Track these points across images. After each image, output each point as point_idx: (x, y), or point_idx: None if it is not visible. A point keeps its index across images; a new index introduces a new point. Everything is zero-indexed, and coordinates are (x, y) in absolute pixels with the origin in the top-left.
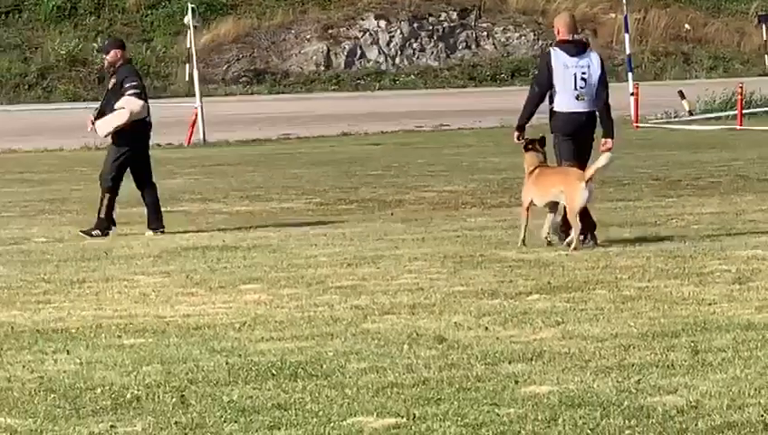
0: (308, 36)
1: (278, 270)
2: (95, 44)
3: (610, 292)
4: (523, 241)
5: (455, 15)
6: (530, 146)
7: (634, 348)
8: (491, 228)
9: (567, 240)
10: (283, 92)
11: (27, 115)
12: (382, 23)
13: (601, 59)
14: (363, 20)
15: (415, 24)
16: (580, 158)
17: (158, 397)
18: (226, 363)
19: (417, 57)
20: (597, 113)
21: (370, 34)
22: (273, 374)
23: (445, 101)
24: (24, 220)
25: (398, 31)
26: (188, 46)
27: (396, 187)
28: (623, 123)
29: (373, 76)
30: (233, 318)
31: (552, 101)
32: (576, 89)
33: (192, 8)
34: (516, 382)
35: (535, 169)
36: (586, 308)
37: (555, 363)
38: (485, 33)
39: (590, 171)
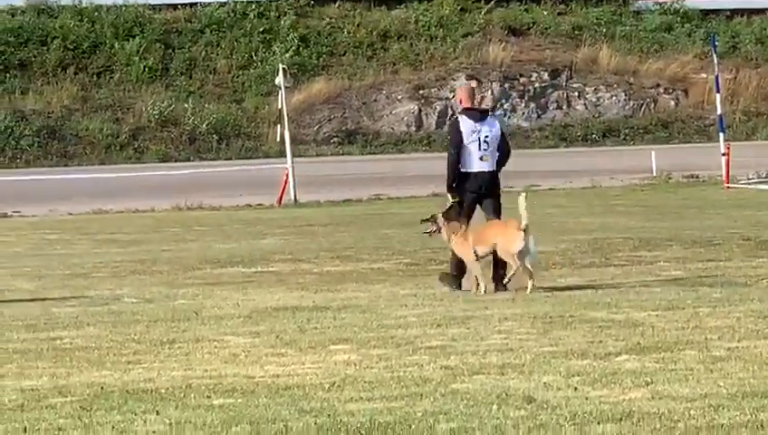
0: (399, 97)
1: (368, 330)
2: (185, 105)
3: (700, 352)
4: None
5: (546, 76)
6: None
7: (723, 408)
8: (581, 289)
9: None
10: (374, 153)
11: (119, 176)
12: (474, 83)
13: (500, 124)
14: (454, 80)
15: (506, 85)
16: (493, 213)
17: None
18: (315, 424)
19: (508, 117)
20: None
21: None
22: None
23: (535, 161)
24: (114, 281)
25: (489, 91)
26: (280, 107)
27: None
28: (714, 184)
29: None
30: (322, 378)
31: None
32: (480, 150)
33: (283, 69)
34: None
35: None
36: (675, 368)
37: (644, 424)
38: (577, 94)
39: (523, 219)
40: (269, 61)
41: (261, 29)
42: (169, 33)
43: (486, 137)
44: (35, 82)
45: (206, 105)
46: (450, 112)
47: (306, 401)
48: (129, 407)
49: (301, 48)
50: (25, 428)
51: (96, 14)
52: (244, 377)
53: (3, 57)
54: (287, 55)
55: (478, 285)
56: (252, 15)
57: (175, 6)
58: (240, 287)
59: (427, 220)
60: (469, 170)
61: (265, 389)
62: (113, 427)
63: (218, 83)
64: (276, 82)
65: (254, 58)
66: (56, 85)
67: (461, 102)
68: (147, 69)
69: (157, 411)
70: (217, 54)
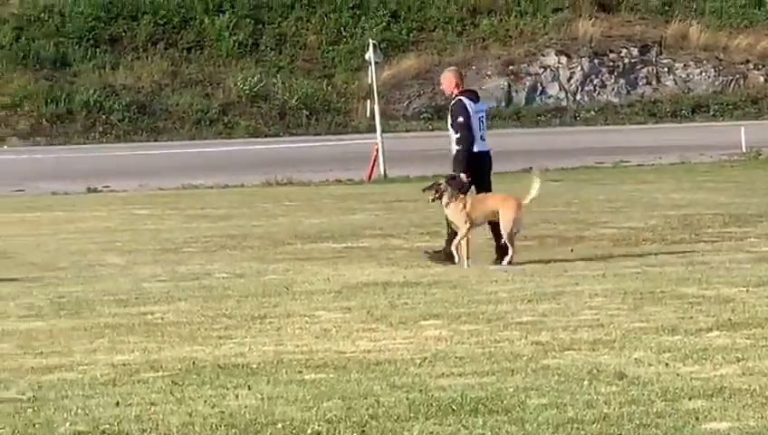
0: (489, 72)
1: (458, 306)
2: (274, 80)
3: None
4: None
5: (635, 52)
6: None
7: None
8: (671, 265)
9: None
10: None
11: (209, 151)
12: (563, 59)
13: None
14: (544, 56)
15: (595, 60)
16: (484, 191)
17: (339, 432)
18: (407, 399)
19: (598, 93)
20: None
21: (551, 71)
22: (454, 410)
23: (625, 137)
24: (205, 256)
25: (579, 67)
26: (370, 82)
27: (576, 223)
28: None
29: (553, 112)
30: (413, 354)
31: (459, 143)
32: (480, 130)
33: (374, 44)
34: (696, 419)
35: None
36: (767, 344)
37: (735, 400)
38: (666, 70)
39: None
40: (359, 36)
41: (351, 4)
42: (259, 8)
43: (482, 117)
44: (126, 58)
45: (296, 80)
46: (540, 88)
47: (398, 377)
48: (220, 382)
49: (391, 23)
50: (117, 402)
51: None
52: (335, 352)
53: (94, 32)
54: (377, 30)
55: (458, 254)
56: None
57: None
58: (330, 262)
59: (430, 188)
60: (473, 150)
61: (357, 364)
62: (205, 401)
63: (308, 59)
64: (366, 57)
65: (344, 33)
66: (146, 60)
67: (456, 87)
68: (237, 44)
69: (248, 386)
70: (307, 30)
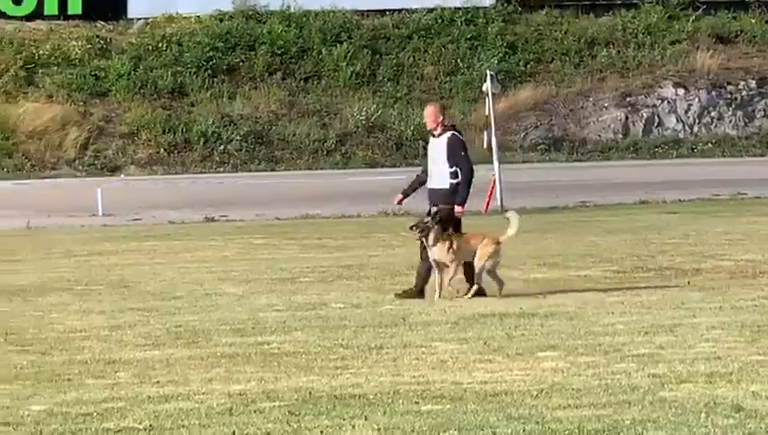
0: (606, 104)
1: (575, 338)
2: (391, 111)
3: None
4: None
5: (753, 84)
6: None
7: None
8: None
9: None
10: (580, 160)
11: (325, 181)
12: (681, 91)
13: None
14: (661, 88)
15: (713, 93)
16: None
17: None
18: (524, 431)
19: (715, 125)
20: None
21: (669, 102)
22: None
23: (743, 169)
24: (321, 286)
25: (696, 99)
26: (487, 113)
27: (693, 255)
28: None
29: (671, 144)
30: (530, 385)
31: (457, 177)
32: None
33: (491, 75)
34: None
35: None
36: None
37: None
38: None
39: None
40: (476, 67)
41: (468, 35)
42: (377, 38)
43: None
44: (243, 87)
45: (413, 111)
46: (657, 120)
47: (514, 408)
48: (337, 412)
49: (508, 54)
50: (234, 432)
51: (304, 19)
52: (452, 383)
53: (211, 62)
54: (494, 62)
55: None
56: (459, 22)
57: (383, 12)
58: (447, 293)
59: (416, 226)
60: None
61: (473, 395)
62: (321, 432)
63: (425, 89)
64: (484, 88)
65: (461, 64)
66: (264, 90)
67: (442, 122)
68: (354, 74)
69: (365, 417)
70: (424, 60)
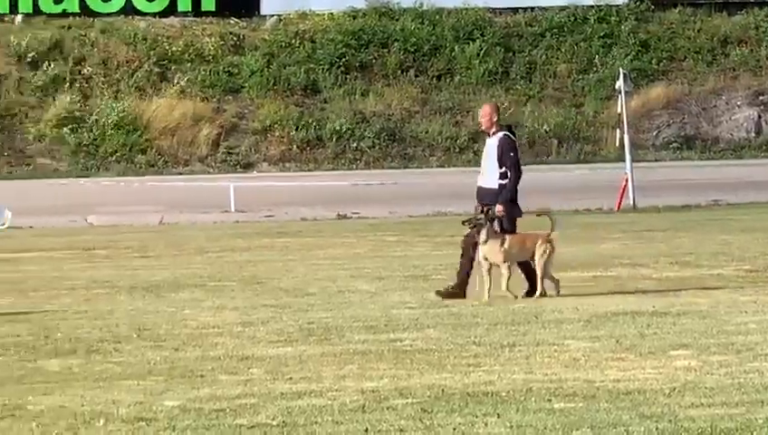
0: (738, 103)
1: (708, 336)
2: (524, 109)
3: None
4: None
5: None
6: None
7: None
8: None
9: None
10: (712, 158)
11: (458, 178)
12: None
13: None
14: None
15: None
16: None
17: None
18: (656, 429)
19: None
20: None
21: None
22: None
23: None
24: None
25: None
26: (619, 111)
27: None
28: None
29: None
30: (662, 384)
31: (505, 178)
32: None
33: (624, 73)
34: None
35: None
36: None
37: None
38: None
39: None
40: (609, 65)
41: (601, 33)
42: (510, 36)
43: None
44: (376, 84)
45: (546, 109)
46: None
47: (647, 406)
48: (469, 410)
49: (641, 53)
50: (366, 429)
51: (437, 16)
52: (584, 381)
53: (344, 59)
54: (627, 60)
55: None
56: (592, 20)
57: (515, 10)
58: (579, 291)
59: (468, 221)
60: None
61: (606, 393)
62: (454, 429)
63: (558, 87)
64: (617, 86)
65: (594, 62)
66: (396, 87)
67: (496, 122)
68: (486, 72)
69: (498, 414)
70: (557, 58)
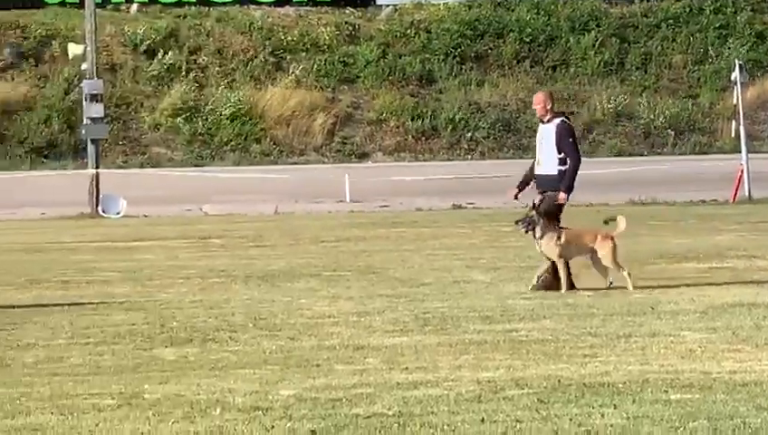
0: None
1: None
2: (639, 99)
3: None
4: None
5: None
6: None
7: None
8: None
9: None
10: None
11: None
12: None
13: None
14: None
15: None
16: None
17: None
18: None
19: None
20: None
21: None
22: None
23: None
24: None
25: None
26: (735, 102)
27: None
28: None
29: None
30: None
31: (564, 164)
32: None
33: (739, 64)
34: None
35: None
36: None
37: None
38: None
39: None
40: (724, 56)
41: (717, 24)
42: (625, 27)
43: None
44: (491, 75)
45: (661, 100)
46: None
47: (764, 398)
48: (586, 400)
49: (756, 44)
50: (483, 419)
51: (552, 7)
52: (700, 373)
53: (459, 49)
54: (743, 51)
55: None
56: (708, 11)
57: (631, 1)
58: (695, 283)
59: (522, 221)
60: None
61: (722, 385)
62: (571, 419)
63: (673, 78)
64: (732, 77)
65: (710, 53)
66: (511, 78)
67: (551, 109)
68: (602, 63)
69: (614, 405)
70: (673, 49)
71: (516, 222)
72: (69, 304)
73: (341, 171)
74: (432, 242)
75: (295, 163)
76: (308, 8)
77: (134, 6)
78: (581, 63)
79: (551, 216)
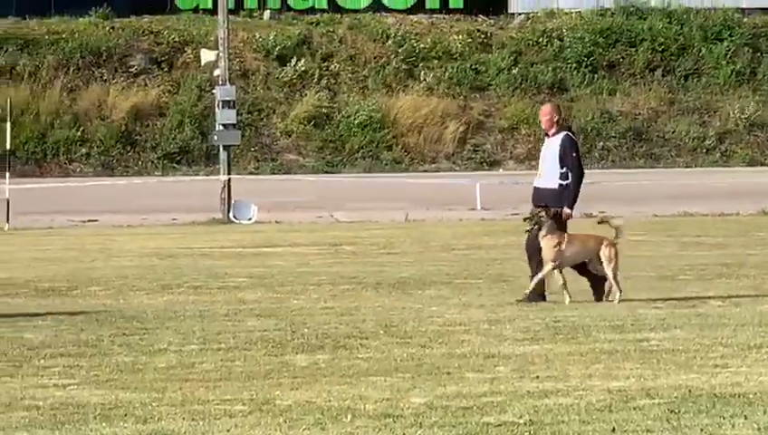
0: None
1: None
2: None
3: None
4: None
5: None
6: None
7: None
8: None
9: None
10: None
11: (705, 179)
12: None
13: None
14: None
15: None
16: None
17: None
18: None
19: None
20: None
21: None
22: None
23: None
24: (700, 284)
25: None
26: None
27: None
28: None
29: None
30: None
31: (566, 178)
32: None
33: None
34: None
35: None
36: None
37: None
38: None
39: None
40: None
41: None
42: (758, 37)
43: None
44: (623, 84)
45: None
46: None
47: None
48: (716, 411)
49: None
50: (613, 428)
51: (685, 16)
52: None
53: (591, 58)
54: None
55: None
56: None
57: (765, 10)
58: None
59: (530, 219)
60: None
61: None
62: (702, 430)
63: None
64: None
65: None
66: (643, 87)
67: (557, 121)
68: (734, 72)
69: (745, 416)
70: None
71: (524, 219)
72: (200, 310)
73: (473, 179)
74: None
75: (426, 171)
76: (441, 16)
77: (267, 13)
78: (714, 73)
79: (557, 223)
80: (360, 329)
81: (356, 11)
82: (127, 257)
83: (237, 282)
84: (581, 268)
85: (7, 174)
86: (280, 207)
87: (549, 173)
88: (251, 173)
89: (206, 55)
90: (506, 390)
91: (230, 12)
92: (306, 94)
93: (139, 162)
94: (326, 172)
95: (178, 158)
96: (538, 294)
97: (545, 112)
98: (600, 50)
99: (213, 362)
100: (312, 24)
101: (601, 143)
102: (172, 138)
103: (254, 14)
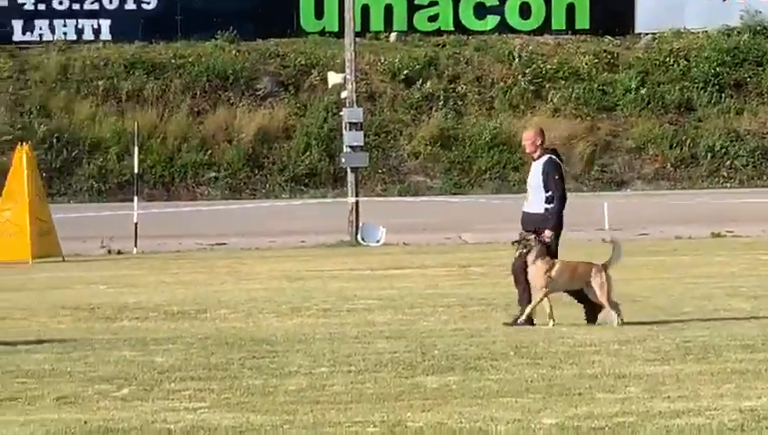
0: None
1: None
2: None
3: None
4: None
5: None
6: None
7: None
8: None
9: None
10: None
11: None
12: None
13: None
14: None
15: None
16: None
17: None
18: None
19: None
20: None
21: None
22: None
23: None
24: None
25: None
26: None
27: None
28: None
29: None
30: None
31: (551, 202)
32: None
33: None
34: None
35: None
36: None
37: None
38: None
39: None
40: None
41: None
42: None
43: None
44: (750, 103)
45: None
46: None
47: None
48: None
49: None
50: None
51: None
52: None
53: (718, 77)
54: None
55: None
56: None
57: None
58: None
59: (518, 242)
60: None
61: None
62: None
63: None
64: None
65: None
66: None
67: (540, 145)
68: None
69: None
70: None
71: (513, 242)
72: (330, 332)
73: (600, 199)
74: (692, 270)
75: None
76: (567, 36)
77: (393, 36)
78: None
79: (548, 248)
80: (491, 350)
81: (482, 32)
82: (256, 280)
83: (366, 304)
84: (578, 295)
85: (135, 198)
86: (408, 228)
87: (534, 198)
88: (378, 195)
89: (333, 78)
90: (637, 410)
91: (356, 34)
92: (432, 116)
93: (267, 185)
94: (453, 194)
95: (306, 180)
96: (528, 320)
97: (528, 137)
98: (727, 69)
99: (343, 385)
100: (438, 45)
101: (729, 162)
102: (299, 160)
103: (380, 36)
